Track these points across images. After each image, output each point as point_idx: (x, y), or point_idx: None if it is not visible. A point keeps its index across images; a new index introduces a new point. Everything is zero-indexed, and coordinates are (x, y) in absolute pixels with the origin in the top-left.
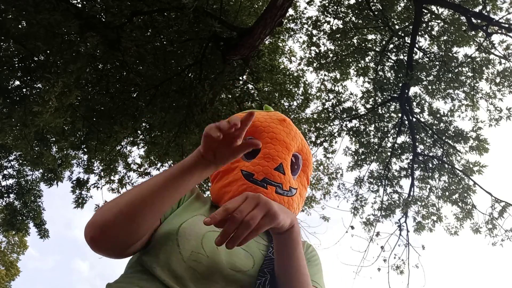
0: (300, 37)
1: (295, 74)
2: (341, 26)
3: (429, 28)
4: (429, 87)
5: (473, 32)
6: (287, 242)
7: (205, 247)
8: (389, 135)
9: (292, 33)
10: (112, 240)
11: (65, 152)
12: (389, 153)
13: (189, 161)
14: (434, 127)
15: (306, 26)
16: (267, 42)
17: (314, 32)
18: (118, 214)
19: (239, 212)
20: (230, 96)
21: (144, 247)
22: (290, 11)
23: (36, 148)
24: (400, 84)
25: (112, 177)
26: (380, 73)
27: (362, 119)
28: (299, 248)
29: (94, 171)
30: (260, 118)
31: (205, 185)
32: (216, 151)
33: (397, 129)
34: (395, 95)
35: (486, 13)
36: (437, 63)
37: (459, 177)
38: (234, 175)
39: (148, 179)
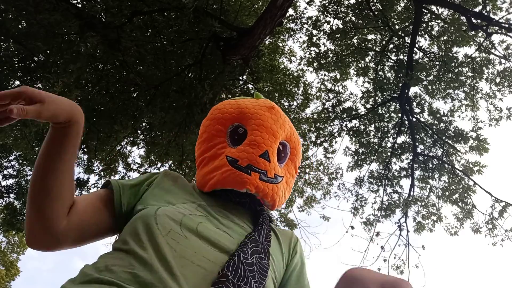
0: (300, 37)
1: (295, 74)
2: (341, 26)
3: (429, 28)
4: (429, 87)
5: (473, 32)
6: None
7: (183, 228)
8: (389, 135)
9: (292, 33)
10: (34, 233)
11: None
12: (389, 153)
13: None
14: (434, 127)
15: (306, 26)
16: (267, 42)
17: (314, 32)
18: (27, 209)
19: None
20: (230, 96)
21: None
22: (290, 11)
23: (36, 148)
24: (400, 84)
25: (112, 177)
26: (380, 73)
27: (362, 119)
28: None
29: (94, 171)
30: (248, 105)
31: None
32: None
33: (397, 129)
34: (395, 95)
35: (486, 13)
36: (437, 63)
37: (459, 177)
38: (220, 161)
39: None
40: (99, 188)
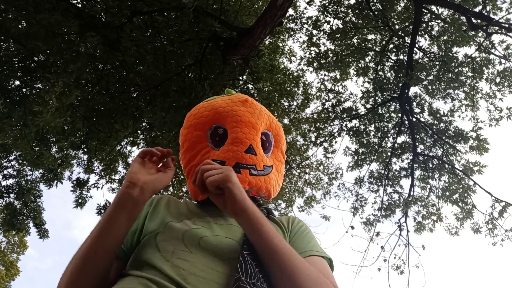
0: (300, 37)
1: (295, 74)
2: (341, 26)
3: (429, 28)
4: (429, 87)
5: (473, 32)
6: (247, 223)
7: (187, 244)
8: (389, 135)
9: (292, 33)
10: None
11: (65, 152)
12: (389, 153)
13: (113, 208)
14: (434, 127)
15: (306, 26)
16: (267, 42)
17: (314, 32)
18: (69, 284)
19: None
20: None
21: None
22: (290, 11)
23: (36, 148)
24: (400, 84)
25: (112, 177)
26: (380, 73)
27: (362, 119)
28: (263, 227)
29: (94, 171)
30: (222, 103)
31: None
32: (143, 184)
33: (397, 129)
34: (395, 95)
35: (486, 13)
36: (437, 63)
37: (459, 177)
38: None
39: (88, 236)
40: None
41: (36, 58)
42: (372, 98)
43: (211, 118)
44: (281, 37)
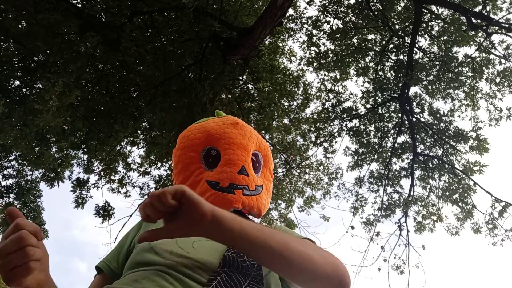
0: (300, 37)
1: (295, 74)
2: (341, 26)
3: (429, 28)
4: (429, 87)
5: (473, 32)
6: (225, 234)
7: (182, 247)
8: (389, 135)
9: (292, 33)
10: None
11: (65, 152)
12: (389, 153)
13: None
14: (434, 127)
15: (306, 26)
16: (267, 42)
17: (314, 32)
18: None
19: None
20: (230, 96)
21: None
22: (290, 11)
23: (37, 148)
24: (400, 84)
25: (112, 177)
26: (380, 73)
27: (362, 119)
28: (245, 230)
29: (94, 171)
30: (214, 126)
31: None
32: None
33: (397, 129)
34: (395, 95)
35: (486, 13)
36: (437, 63)
37: (459, 177)
38: (201, 187)
39: None
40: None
41: (36, 58)
42: (372, 98)
43: (204, 140)
44: (281, 37)
